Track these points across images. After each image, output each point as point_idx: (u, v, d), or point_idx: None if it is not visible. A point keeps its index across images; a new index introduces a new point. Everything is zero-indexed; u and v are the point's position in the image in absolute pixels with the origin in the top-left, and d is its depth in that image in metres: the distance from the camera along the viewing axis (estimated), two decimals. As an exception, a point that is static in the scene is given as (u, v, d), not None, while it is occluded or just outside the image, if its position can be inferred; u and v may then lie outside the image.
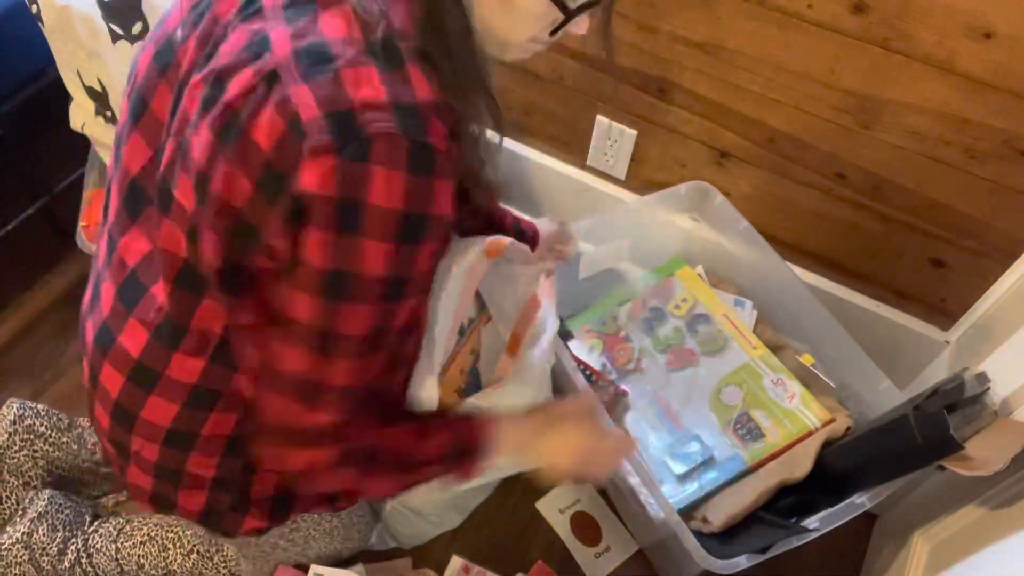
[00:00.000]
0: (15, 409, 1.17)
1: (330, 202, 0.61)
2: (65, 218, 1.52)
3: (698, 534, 1.05)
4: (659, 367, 1.34)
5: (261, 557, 1.08)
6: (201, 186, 0.67)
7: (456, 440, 0.82)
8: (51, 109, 1.38)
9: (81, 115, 1.33)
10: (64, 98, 1.33)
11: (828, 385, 1.28)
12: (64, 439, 1.19)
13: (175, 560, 1.10)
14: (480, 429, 0.84)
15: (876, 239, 1.26)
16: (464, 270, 1.01)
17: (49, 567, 1.10)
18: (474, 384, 1.12)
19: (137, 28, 1.15)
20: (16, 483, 1.16)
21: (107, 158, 1.38)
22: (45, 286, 1.57)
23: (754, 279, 1.39)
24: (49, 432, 1.18)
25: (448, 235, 0.72)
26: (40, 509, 1.12)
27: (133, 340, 0.80)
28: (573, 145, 1.47)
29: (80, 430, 1.22)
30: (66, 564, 1.10)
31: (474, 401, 1.00)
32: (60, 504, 1.14)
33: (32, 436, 1.16)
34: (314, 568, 1.12)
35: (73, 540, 1.11)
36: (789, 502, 1.14)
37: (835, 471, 1.13)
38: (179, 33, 0.73)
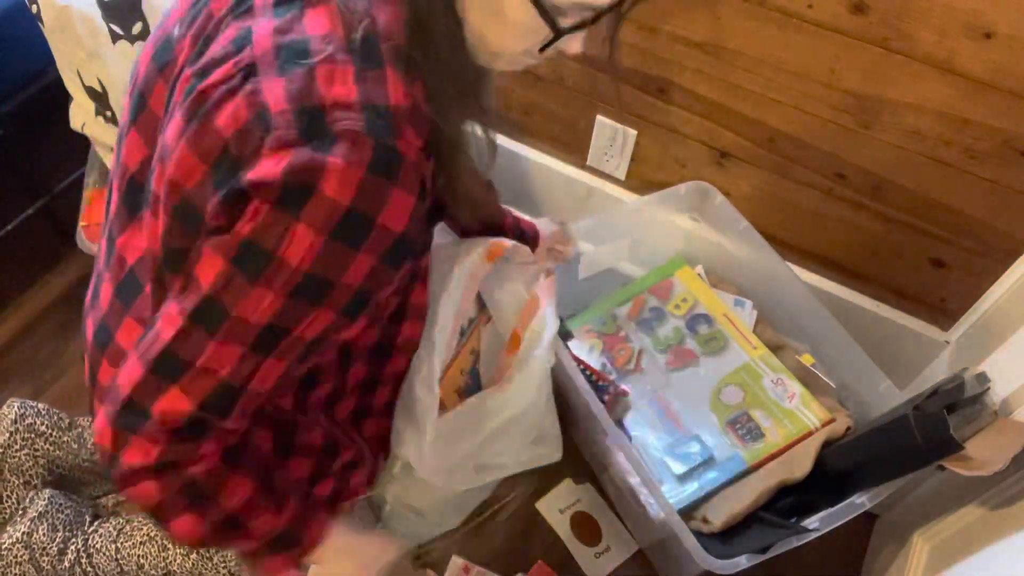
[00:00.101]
0: (16, 408, 1.17)
1: (279, 183, 0.59)
2: (65, 218, 1.52)
3: (698, 534, 1.05)
4: (659, 367, 1.34)
5: (261, 557, 1.08)
6: (164, 168, 0.67)
7: (291, 521, 0.77)
8: (51, 109, 1.38)
9: (81, 115, 1.33)
10: (64, 98, 1.33)
11: (828, 385, 1.28)
12: (65, 438, 1.19)
13: (175, 560, 1.10)
14: (317, 527, 0.80)
15: (876, 239, 1.26)
16: (466, 272, 1.01)
17: (49, 567, 1.10)
18: (474, 384, 1.12)
19: (137, 28, 1.15)
20: (17, 482, 1.16)
21: (107, 158, 1.38)
22: (45, 286, 1.57)
23: (754, 279, 1.39)
24: (50, 431, 1.18)
25: (400, 263, 0.67)
26: (40, 509, 1.12)
27: (129, 338, 0.80)
28: (573, 145, 1.47)
29: (80, 429, 1.22)
30: (66, 564, 1.10)
31: (475, 401, 1.00)
32: (60, 504, 1.14)
33: (33, 435, 1.17)
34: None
35: (73, 540, 1.11)
36: (789, 502, 1.14)
37: (835, 471, 1.13)
38: (177, 31, 0.73)
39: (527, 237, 1.15)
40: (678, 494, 1.19)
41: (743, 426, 1.24)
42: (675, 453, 1.22)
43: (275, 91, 0.60)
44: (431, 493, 1.16)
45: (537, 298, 1.10)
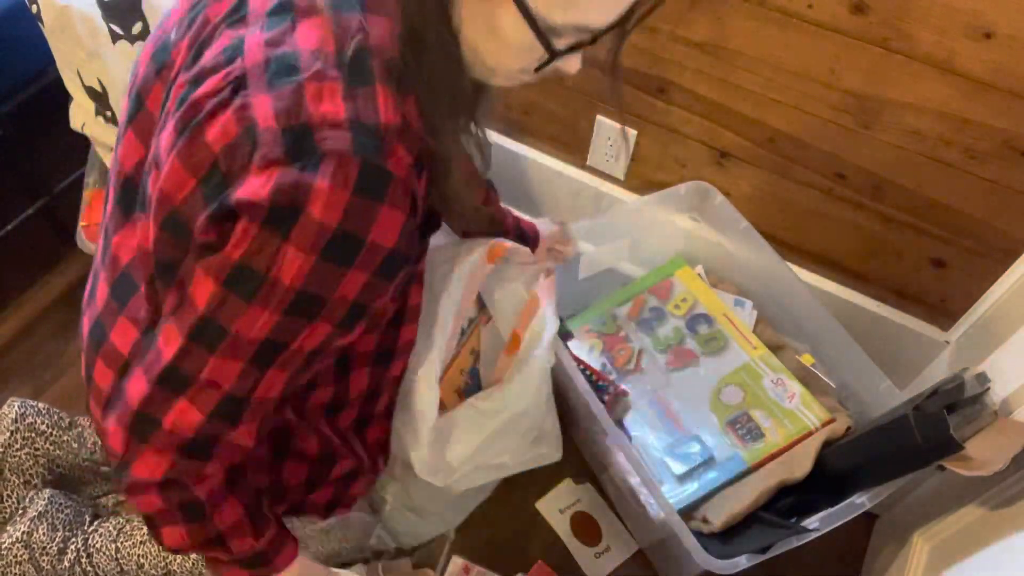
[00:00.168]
0: (16, 408, 1.17)
1: (267, 204, 0.59)
2: (65, 218, 1.52)
3: (698, 534, 1.05)
4: (659, 367, 1.34)
5: (261, 557, 1.08)
6: (158, 176, 0.67)
7: (267, 544, 0.81)
8: (51, 109, 1.38)
9: (81, 115, 1.33)
10: (64, 98, 1.33)
11: (828, 385, 1.28)
12: (65, 438, 1.20)
13: (175, 560, 1.10)
14: (287, 553, 0.84)
15: (876, 239, 1.26)
16: (466, 272, 1.01)
17: (49, 566, 1.10)
18: (474, 384, 1.12)
19: (137, 28, 1.15)
20: (17, 482, 1.16)
21: (107, 158, 1.38)
22: (45, 286, 1.58)
23: (754, 279, 1.39)
24: (50, 430, 1.18)
25: (394, 275, 0.67)
26: (40, 508, 1.12)
27: (123, 338, 0.80)
28: (573, 145, 1.47)
29: (80, 429, 1.22)
30: (66, 564, 1.10)
31: (475, 401, 1.00)
32: (60, 503, 1.14)
33: (33, 434, 1.17)
34: None
35: (73, 539, 1.11)
36: (789, 502, 1.14)
37: (835, 471, 1.13)
38: (174, 34, 0.73)
39: (527, 237, 1.15)
40: (678, 494, 1.19)
41: (743, 426, 1.24)
42: (675, 453, 1.22)
43: (263, 107, 0.60)
44: (431, 493, 1.16)
45: (537, 298, 1.10)
